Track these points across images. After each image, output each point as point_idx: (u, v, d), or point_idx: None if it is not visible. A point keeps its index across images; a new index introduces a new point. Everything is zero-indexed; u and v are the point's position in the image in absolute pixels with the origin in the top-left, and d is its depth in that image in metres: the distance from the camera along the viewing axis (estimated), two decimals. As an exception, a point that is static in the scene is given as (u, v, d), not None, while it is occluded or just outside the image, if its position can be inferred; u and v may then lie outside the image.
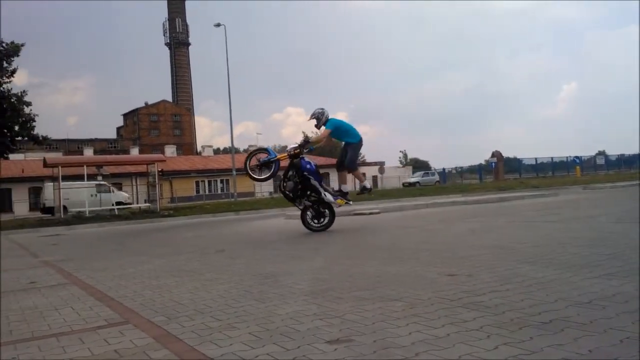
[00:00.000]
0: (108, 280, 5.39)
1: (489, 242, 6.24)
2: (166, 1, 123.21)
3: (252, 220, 16.69)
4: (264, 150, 9.56)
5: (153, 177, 25.78)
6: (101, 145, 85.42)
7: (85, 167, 25.23)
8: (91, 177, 25.87)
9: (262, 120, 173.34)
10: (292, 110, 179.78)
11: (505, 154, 52.89)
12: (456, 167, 61.23)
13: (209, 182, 53.66)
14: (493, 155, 50.16)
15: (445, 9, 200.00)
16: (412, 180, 56.31)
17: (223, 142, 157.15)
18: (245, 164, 9.14)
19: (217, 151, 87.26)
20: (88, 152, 60.68)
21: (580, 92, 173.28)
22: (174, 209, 25.93)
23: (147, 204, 25.85)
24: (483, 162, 56.13)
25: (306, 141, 9.69)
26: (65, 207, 25.37)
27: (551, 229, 7.42)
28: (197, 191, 52.47)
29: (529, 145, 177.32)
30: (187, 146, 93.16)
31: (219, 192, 51.99)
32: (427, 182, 54.01)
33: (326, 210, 9.42)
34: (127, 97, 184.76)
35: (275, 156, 9.16)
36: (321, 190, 9.13)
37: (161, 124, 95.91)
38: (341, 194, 9.44)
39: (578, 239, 5.98)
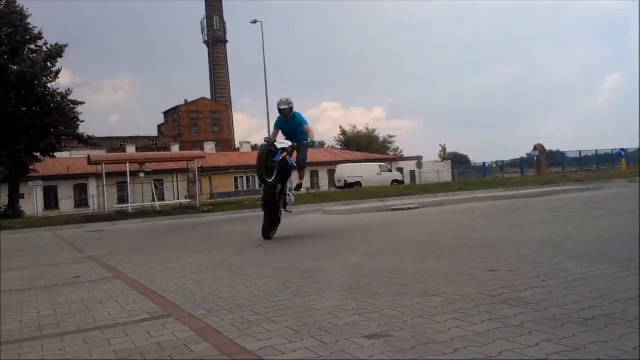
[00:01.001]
0: (151, 274, 5.51)
1: (531, 237, 6.12)
2: (204, 0, 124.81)
3: (290, 215, 16.76)
4: (273, 146, 8.27)
5: (193, 173, 26.15)
6: (143, 143, 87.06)
7: (127, 164, 25.77)
8: (134, 173, 26.43)
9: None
10: (328, 106, 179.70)
11: (547, 147, 51.64)
12: (497, 161, 60.13)
13: (247, 177, 54.08)
14: (535, 148, 49.01)
15: (485, 4, 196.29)
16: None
17: (260, 139, 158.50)
18: (261, 165, 7.92)
19: (255, 147, 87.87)
20: (130, 150, 61.95)
21: (624, 83, 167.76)
22: (213, 205, 26.25)
23: (188, 200, 26.24)
24: (525, 156, 54.92)
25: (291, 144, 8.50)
26: (359, 183, 38.63)
27: (595, 224, 7.23)
28: (236, 187, 53.03)
29: (573, 138, 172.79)
30: (226, 142, 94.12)
31: (257, 187, 52.37)
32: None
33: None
34: (168, 95, 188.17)
35: (279, 155, 8.13)
36: (287, 190, 8.64)
37: (200, 121, 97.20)
38: (299, 187, 9.05)
39: (623, 233, 5.80)
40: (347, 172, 42.62)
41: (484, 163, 60.43)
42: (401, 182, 42.72)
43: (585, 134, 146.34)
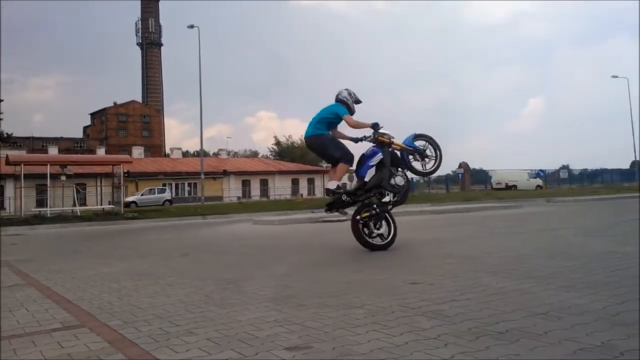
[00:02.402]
0: (66, 282, 5.26)
1: (454, 251, 6.31)
2: (139, 1, 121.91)
3: (219, 224, 16.55)
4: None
5: (118, 178, 25.34)
6: (67, 144, 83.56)
7: (48, 165, 24.64)
8: (55, 176, 25.28)
9: (233, 124, 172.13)
10: (264, 115, 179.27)
11: (472, 166, 53.70)
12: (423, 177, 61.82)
13: (177, 185, 53.02)
14: (460, 166, 50.86)
15: (424, 22, 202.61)
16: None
17: (193, 145, 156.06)
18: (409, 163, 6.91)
19: (186, 154, 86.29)
20: (52, 151, 59.27)
21: (545, 106, 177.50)
22: (138, 212, 25.53)
23: (111, 206, 25.36)
24: (450, 173, 56.78)
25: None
26: (515, 186, 45.77)
27: (514, 240, 7.54)
28: (164, 194, 51.79)
29: (495, 157, 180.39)
30: (156, 148, 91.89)
31: (187, 195, 51.44)
32: (151, 201, 41.69)
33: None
34: (96, 97, 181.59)
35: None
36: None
37: (130, 124, 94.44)
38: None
39: (540, 250, 6.09)
40: (506, 177, 49.35)
41: (412, 178, 61.96)
42: (541, 187, 46.81)
43: (507, 153, 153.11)
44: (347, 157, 6.75)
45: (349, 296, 3.79)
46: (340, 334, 2.79)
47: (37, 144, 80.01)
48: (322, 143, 6.83)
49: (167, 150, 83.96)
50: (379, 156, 6.72)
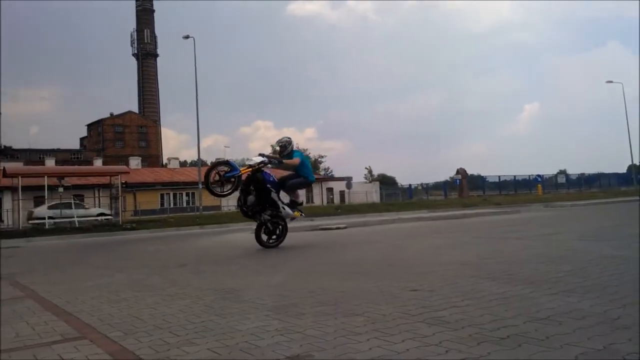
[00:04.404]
0: (66, 294, 5.24)
1: (452, 258, 6.30)
2: (135, 12, 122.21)
3: (217, 234, 16.53)
4: (226, 163, 8.96)
5: (116, 189, 25.33)
6: (63, 156, 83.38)
7: (46, 177, 24.63)
8: (52, 188, 25.25)
9: (230, 134, 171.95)
10: (261, 124, 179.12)
11: (469, 172, 53.87)
12: (422, 184, 61.96)
13: (175, 195, 52.90)
14: (458, 172, 51.00)
15: (414, 32, 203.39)
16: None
17: (190, 155, 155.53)
18: (207, 178, 8.51)
19: (183, 164, 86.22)
20: (50, 163, 59.15)
21: (541, 111, 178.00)
22: (137, 222, 25.49)
23: (109, 217, 25.32)
24: (448, 179, 56.88)
25: (274, 157, 9.38)
26: None
27: (513, 246, 7.55)
28: (162, 204, 51.59)
29: (493, 163, 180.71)
30: (153, 158, 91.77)
31: (185, 205, 51.33)
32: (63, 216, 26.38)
33: (280, 225, 9.19)
34: (92, 108, 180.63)
35: (239, 170, 8.62)
36: (280, 204, 8.98)
37: (126, 135, 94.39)
38: (295, 205, 9.36)
39: (539, 255, 6.09)
40: None
41: (409, 185, 62.14)
42: None
43: (504, 159, 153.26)
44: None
45: (348, 304, 3.78)
46: (341, 342, 2.78)
47: (34, 156, 79.75)
48: None
49: (165, 161, 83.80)
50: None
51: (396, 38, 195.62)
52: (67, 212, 27.09)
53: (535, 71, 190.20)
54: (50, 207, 27.23)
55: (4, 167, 26.13)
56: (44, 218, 25.10)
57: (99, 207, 29.55)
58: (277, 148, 9.44)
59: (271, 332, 3.09)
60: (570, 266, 4.98)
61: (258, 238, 9.05)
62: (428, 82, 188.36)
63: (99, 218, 26.03)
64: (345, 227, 13.85)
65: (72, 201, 27.40)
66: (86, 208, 30.17)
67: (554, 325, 2.87)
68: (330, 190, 58.25)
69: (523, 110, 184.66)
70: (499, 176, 56.74)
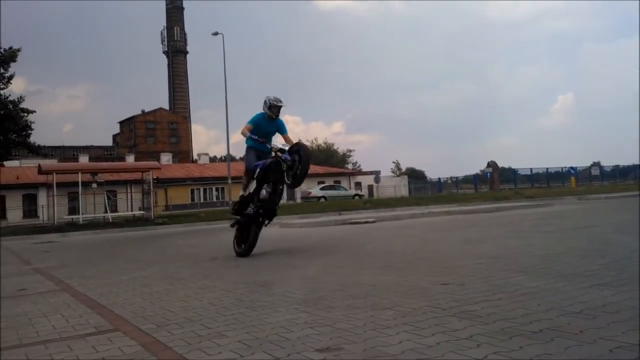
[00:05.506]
0: (99, 287, 5.35)
1: (483, 251, 6.24)
2: (165, 10, 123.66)
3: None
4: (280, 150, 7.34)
5: (148, 184, 25.70)
6: (97, 153, 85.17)
7: (79, 174, 25.13)
8: (86, 184, 25.78)
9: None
10: (289, 119, 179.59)
11: (500, 164, 53.08)
12: (451, 177, 61.31)
13: (205, 190, 53.48)
14: (488, 165, 50.29)
15: (444, 22, 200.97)
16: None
17: (219, 151, 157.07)
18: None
19: (213, 159, 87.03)
20: (83, 159, 60.39)
21: (575, 102, 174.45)
22: (168, 217, 25.83)
23: (142, 212, 25.72)
24: (479, 172, 56.18)
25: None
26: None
27: (545, 239, 7.42)
28: (192, 199, 52.22)
29: (525, 155, 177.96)
30: (184, 154, 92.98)
31: (214, 200, 51.84)
32: None
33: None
34: (124, 105, 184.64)
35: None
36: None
37: (157, 131, 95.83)
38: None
39: (572, 249, 5.98)
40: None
41: (439, 178, 61.61)
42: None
43: (536, 151, 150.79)
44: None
45: (378, 298, 3.77)
46: (371, 335, 2.78)
47: (68, 153, 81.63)
48: None
49: (195, 156, 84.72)
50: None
51: (423, 29, 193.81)
52: (331, 192, 44.19)
53: (570, 61, 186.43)
54: (322, 189, 45.17)
55: (39, 165, 26.70)
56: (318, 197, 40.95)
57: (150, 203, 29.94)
58: (281, 105, 7.53)
59: (301, 325, 3.11)
60: (605, 259, 4.87)
61: (238, 246, 7.81)
62: (459, 73, 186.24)
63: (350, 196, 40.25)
64: (374, 221, 13.80)
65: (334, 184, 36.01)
66: (346, 189, 47.37)
67: (587, 319, 2.82)
68: (358, 184, 58.07)
69: (557, 102, 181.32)
70: (531, 169, 55.81)
